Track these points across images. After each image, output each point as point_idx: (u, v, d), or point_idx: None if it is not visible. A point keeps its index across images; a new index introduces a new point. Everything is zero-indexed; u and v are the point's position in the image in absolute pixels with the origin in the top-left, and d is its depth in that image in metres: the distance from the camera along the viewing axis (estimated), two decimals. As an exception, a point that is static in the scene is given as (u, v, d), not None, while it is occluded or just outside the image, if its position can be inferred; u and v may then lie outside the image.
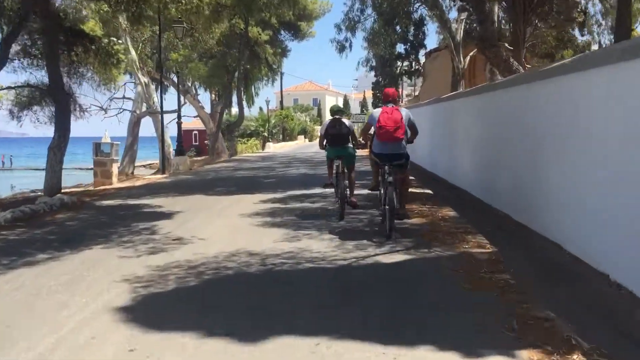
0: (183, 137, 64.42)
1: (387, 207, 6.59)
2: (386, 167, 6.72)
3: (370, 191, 8.72)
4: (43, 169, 13.11)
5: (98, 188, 14.16)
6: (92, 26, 13.21)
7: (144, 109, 25.61)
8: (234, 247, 6.30)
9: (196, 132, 60.77)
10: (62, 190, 12.77)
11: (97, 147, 15.35)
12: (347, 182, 8.18)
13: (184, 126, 65.38)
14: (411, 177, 12.40)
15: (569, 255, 5.42)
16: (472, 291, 4.53)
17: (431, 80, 25.74)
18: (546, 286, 4.67)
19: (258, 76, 35.22)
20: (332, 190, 8.59)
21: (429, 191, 10.70)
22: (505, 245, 6.02)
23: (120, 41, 22.37)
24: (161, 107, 19.06)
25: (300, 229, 7.28)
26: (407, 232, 6.89)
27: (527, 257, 5.61)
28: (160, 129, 19.07)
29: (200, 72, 23.80)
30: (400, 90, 39.97)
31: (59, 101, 11.90)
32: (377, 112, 6.96)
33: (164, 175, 17.06)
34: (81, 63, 13.69)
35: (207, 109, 36.12)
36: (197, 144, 58.74)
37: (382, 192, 6.93)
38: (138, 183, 14.91)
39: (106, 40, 13.07)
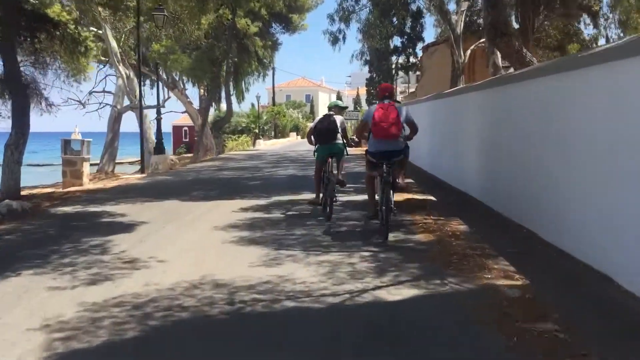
0: (173, 133, 62.67)
1: (384, 207, 6.18)
2: (384, 166, 6.35)
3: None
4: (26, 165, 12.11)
5: (65, 190, 12.85)
6: (57, 10, 11.85)
7: (125, 103, 24.25)
8: (199, 273, 5.04)
9: (186, 128, 59.53)
10: (25, 192, 11.51)
11: (66, 144, 14.01)
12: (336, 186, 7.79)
13: (175, 122, 63.87)
14: (410, 180, 11.22)
15: (626, 294, 4.19)
16: (511, 351, 3.30)
17: (428, 76, 24.51)
18: (608, 344, 3.44)
19: (248, 71, 33.96)
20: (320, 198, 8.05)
21: (432, 198, 9.48)
22: (538, 276, 4.79)
23: (95, 29, 21.00)
24: (140, 101, 17.72)
25: (282, 248, 6.02)
26: (413, 253, 5.65)
27: (570, 294, 4.39)
28: (140, 125, 17.73)
29: (183, 64, 22.42)
30: (394, 87, 38.68)
31: (17, 93, 10.58)
32: (372, 108, 6.71)
33: (142, 175, 15.75)
34: (46, 51, 12.35)
35: (196, 104, 34.91)
36: (187, 140, 57.35)
37: (378, 192, 6.58)
38: (111, 184, 13.59)
39: (72, 26, 11.71)
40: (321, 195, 7.86)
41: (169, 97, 26.80)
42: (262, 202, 9.36)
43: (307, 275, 4.95)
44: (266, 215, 8.05)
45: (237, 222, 7.50)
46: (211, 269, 5.20)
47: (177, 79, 33.33)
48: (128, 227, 7.29)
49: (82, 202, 9.70)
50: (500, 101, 8.03)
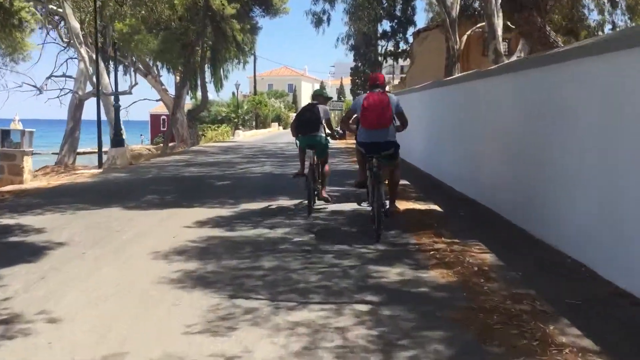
0: (151, 122, 60.27)
1: (375, 204, 5.72)
2: (374, 159, 5.98)
3: (355, 187, 6.95)
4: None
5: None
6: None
7: (88, 89, 22.07)
8: (102, 348, 3.19)
9: (164, 117, 57.27)
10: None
11: (4, 135, 11.99)
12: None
13: (152, 111, 61.52)
14: (406, 182, 9.49)
15: None
16: None
17: (420, 64, 22.70)
18: None
19: (226, 57, 32.07)
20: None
21: (436, 207, 7.71)
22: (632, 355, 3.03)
23: (55, 7, 18.85)
24: (97, 86, 15.62)
25: (241, 293, 4.19)
26: (430, 308, 3.83)
27: None
28: (97, 112, 15.66)
29: (149, 45, 20.25)
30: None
31: None
32: (362, 97, 6.27)
33: (97, 172, 13.73)
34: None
35: (172, 92, 32.95)
36: (165, 129, 54.98)
37: (369, 188, 6.15)
38: (55, 182, 11.61)
39: (2, -6, 9.69)
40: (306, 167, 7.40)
41: (136, 83, 24.53)
42: (226, 212, 7.49)
43: (272, 355, 3.12)
44: (227, 234, 6.18)
45: (187, 246, 5.63)
46: (124, 337, 3.36)
47: (151, 64, 31.34)
48: (36, 253, 5.37)
49: (1, 210, 7.75)
50: (534, 88, 6.24)
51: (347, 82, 70.44)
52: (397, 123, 6.32)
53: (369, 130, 6.01)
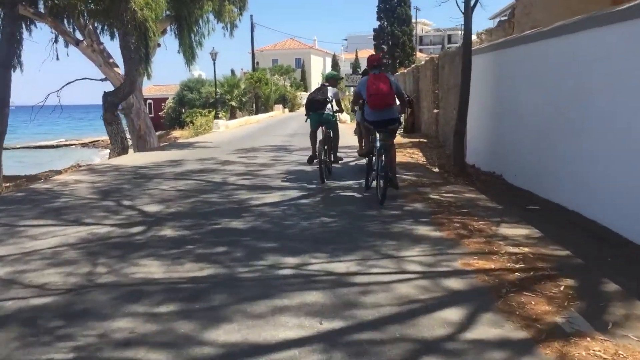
0: (132, 107, 48.73)
1: (381, 173, 6.48)
2: (380, 134, 6.68)
3: (360, 156, 8.67)
4: None
5: None
6: None
7: None
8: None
9: (150, 101, 47.56)
10: None
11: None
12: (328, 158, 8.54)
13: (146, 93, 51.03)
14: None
15: None
16: None
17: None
18: None
19: (196, 13, 21.94)
20: None
21: None
22: None
23: None
24: None
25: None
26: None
27: None
28: None
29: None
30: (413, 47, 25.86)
31: None
32: (364, 80, 6.97)
33: None
34: None
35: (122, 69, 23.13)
36: (151, 115, 45.09)
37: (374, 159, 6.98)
38: None
39: None
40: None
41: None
42: None
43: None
44: None
45: None
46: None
47: (83, 24, 21.28)
48: None
49: None
50: None
51: (362, 54, 59.78)
52: (397, 102, 6.83)
53: (377, 110, 6.60)
